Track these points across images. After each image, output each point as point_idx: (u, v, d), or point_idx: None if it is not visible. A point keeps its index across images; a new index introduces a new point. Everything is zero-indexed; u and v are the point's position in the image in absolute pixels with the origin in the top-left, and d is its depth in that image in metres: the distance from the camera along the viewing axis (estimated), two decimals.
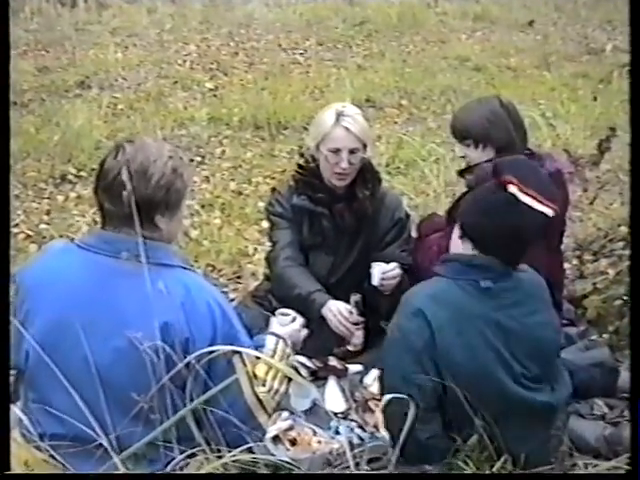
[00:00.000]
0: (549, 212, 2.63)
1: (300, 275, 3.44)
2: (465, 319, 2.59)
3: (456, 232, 2.76)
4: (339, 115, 3.39)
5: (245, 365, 2.49)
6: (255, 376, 2.56)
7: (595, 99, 6.56)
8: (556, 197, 2.73)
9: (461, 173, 3.54)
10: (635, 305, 2.50)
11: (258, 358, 2.57)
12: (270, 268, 3.61)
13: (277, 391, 2.63)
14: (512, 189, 2.59)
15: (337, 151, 3.38)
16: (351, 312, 3.31)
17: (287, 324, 2.97)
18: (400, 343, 2.62)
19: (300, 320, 3.02)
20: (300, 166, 3.58)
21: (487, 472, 2.44)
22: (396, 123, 7.45)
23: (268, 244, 4.62)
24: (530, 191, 2.60)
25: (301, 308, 3.31)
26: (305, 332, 3.05)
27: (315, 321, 3.35)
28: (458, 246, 2.74)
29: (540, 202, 2.60)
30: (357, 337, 3.36)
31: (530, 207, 2.59)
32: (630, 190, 2.44)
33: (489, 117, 3.37)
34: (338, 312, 3.30)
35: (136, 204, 2.36)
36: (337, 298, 3.37)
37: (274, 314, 3.22)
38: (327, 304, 3.32)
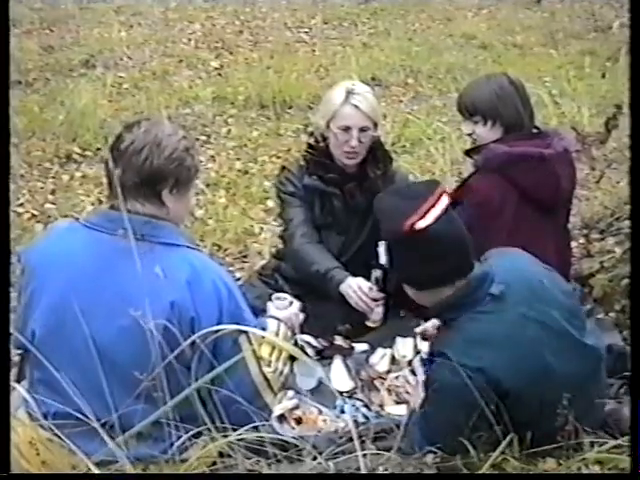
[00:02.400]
0: (447, 199, 2.55)
1: (318, 252, 3.43)
2: (505, 338, 2.52)
3: (409, 291, 2.69)
4: (349, 93, 3.38)
5: (251, 344, 2.50)
6: (260, 357, 2.56)
7: (603, 76, 6.51)
8: (431, 183, 2.67)
9: (468, 153, 3.52)
10: (635, 304, 2.50)
11: (264, 337, 2.57)
12: (286, 245, 3.59)
13: (281, 372, 2.65)
14: (420, 225, 2.50)
15: (347, 129, 3.37)
16: (371, 288, 3.31)
17: (284, 308, 2.99)
18: (450, 399, 2.49)
19: (297, 304, 3.05)
20: (310, 146, 3.56)
21: (488, 472, 2.44)
22: (402, 102, 7.42)
23: (274, 223, 4.64)
24: (423, 208, 2.51)
25: (319, 285, 3.35)
26: (302, 316, 3.08)
27: (321, 300, 3.36)
28: (424, 299, 2.67)
29: (435, 204, 2.52)
30: (377, 313, 3.36)
31: (440, 215, 2.51)
32: (630, 171, 2.42)
33: (498, 93, 3.35)
34: (358, 288, 3.29)
35: (145, 175, 2.42)
36: None
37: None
38: (346, 280, 3.31)
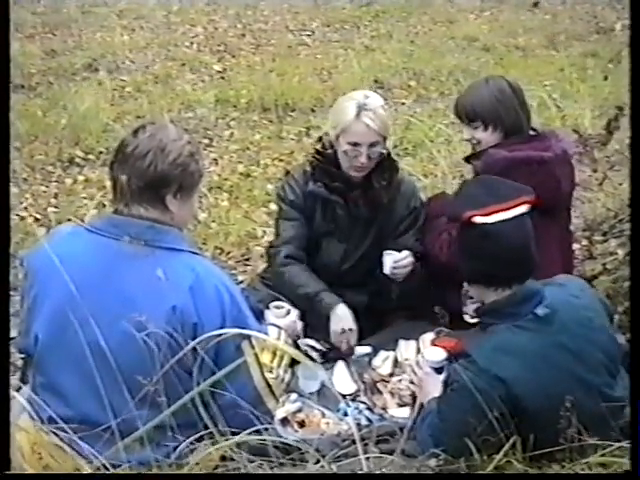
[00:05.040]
0: (524, 209, 2.61)
1: (303, 274, 3.40)
2: (536, 359, 2.54)
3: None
4: (360, 109, 3.29)
5: (254, 349, 2.49)
6: (262, 363, 2.56)
7: (605, 78, 6.51)
8: (522, 189, 2.69)
9: (468, 159, 3.50)
10: (634, 306, 2.49)
11: (266, 342, 2.57)
12: (269, 263, 3.59)
13: (283, 379, 2.65)
14: (477, 220, 2.57)
15: (356, 145, 3.32)
16: (351, 329, 3.29)
17: (282, 316, 2.99)
18: (468, 401, 2.48)
19: (295, 312, 3.05)
20: (317, 152, 3.48)
21: (488, 472, 2.44)
22: (404, 104, 7.41)
23: None
24: (492, 208, 2.57)
25: (307, 307, 3.31)
26: (301, 324, 3.09)
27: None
28: (473, 293, 2.73)
29: (509, 208, 2.58)
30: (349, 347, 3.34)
31: (505, 220, 2.57)
32: (630, 173, 2.42)
33: (498, 96, 3.33)
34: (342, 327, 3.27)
35: (149, 180, 2.42)
36: (349, 285, 3.40)
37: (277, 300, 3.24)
38: (337, 309, 3.28)
